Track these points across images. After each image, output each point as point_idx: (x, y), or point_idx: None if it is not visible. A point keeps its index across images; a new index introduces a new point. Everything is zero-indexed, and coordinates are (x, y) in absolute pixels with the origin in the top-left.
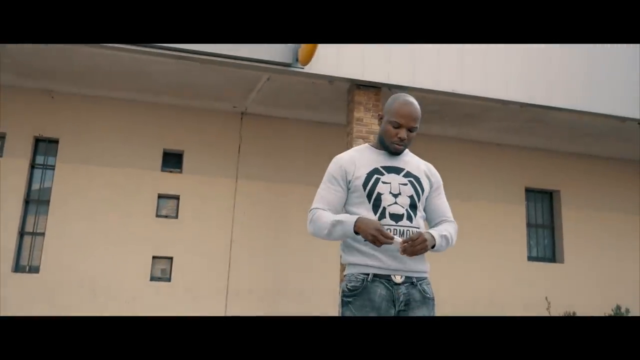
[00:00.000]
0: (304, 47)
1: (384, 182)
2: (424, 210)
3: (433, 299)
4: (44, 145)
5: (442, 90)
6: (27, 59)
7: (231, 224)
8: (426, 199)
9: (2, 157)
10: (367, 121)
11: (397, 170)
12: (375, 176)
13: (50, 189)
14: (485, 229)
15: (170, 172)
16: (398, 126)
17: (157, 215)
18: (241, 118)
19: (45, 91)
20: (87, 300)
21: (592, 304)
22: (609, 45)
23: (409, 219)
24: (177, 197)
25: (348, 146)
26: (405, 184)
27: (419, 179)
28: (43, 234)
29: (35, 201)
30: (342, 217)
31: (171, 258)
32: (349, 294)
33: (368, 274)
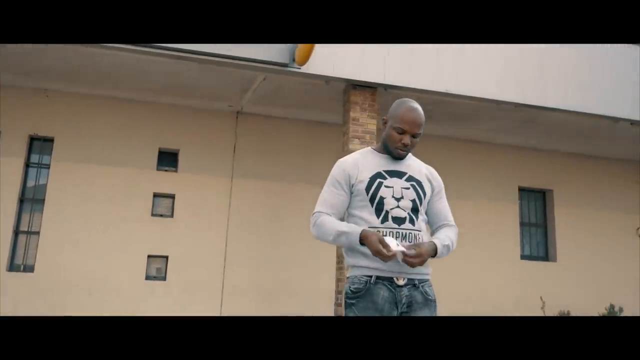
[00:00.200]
0: (301, 47)
1: (386, 186)
2: (426, 213)
3: (435, 301)
4: (39, 144)
5: (437, 91)
6: (22, 58)
7: (226, 223)
8: (428, 202)
9: None
10: (363, 121)
11: (399, 175)
12: (378, 180)
13: (45, 187)
14: (479, 228)
15: (166, 171)
16: (402, 132)
17: (153, 214)
18: (237, 117)
19: (40, 90)
20: (82, 299)
21: (586, 302)
22: (602, 46)
23: (411, 222)
24: (172, 196)
25: (344, 146)
26: (408, 188)
27: (420, 183)
28: (38, 233)
29: (30, 200)
30: (347, 227)
31: (166, 257)
32: (352, 296)
33: (371, 276)
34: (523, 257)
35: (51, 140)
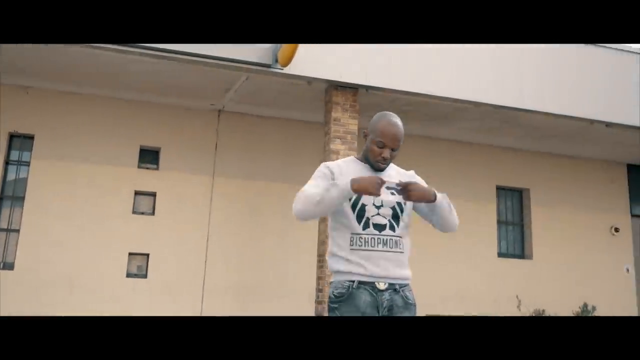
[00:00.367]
0: (284, 48)
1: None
2: (418, 211)
3: (415, 305)
4: (19, 141)
5: (417, 92)
6: (2, 55)
7: (207, 221)
8: (412, 205)
9: None
10: (345, 121)
11: None
12: None
13: (25, 185)
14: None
15: (147, 169)
16: (382, 146)
17: (134, 212)
18: (218, 116)
19: (21, 87)
20: (63, 297)
21: (561, 301)
22: (578, 50)
23: (392, 228)
24: (153, 194)
25: (325, 145)
26: (388, 197)
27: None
28: (18, 231)
29: (10, 197)
30: (335, 182)
31: (147, 255)
32: (335, 300)
33: (353, 281)
34: (500, 254)
35: (31, 137)
